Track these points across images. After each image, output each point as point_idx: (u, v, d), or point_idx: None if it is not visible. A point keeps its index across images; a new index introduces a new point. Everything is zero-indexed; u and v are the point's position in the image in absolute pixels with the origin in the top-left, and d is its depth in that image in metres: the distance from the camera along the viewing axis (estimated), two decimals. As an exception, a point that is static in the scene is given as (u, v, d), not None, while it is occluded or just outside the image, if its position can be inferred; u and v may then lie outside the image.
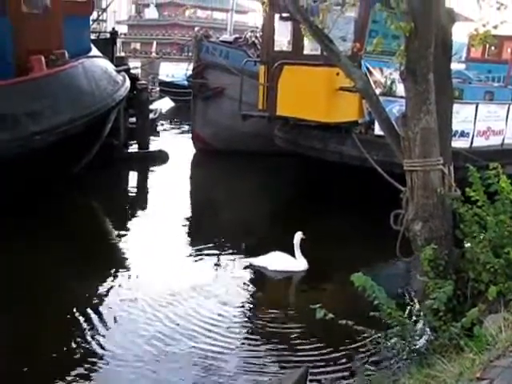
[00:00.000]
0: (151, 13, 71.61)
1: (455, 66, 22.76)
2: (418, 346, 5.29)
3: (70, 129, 11.29)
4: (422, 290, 6.08)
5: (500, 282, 5.30)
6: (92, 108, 11.98)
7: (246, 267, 9.14)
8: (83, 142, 12.20)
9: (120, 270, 8.78)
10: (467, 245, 5.93)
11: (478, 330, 4.64)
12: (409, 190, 6.05)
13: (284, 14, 11.64)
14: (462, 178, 6.21)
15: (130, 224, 11.39)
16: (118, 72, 14.14)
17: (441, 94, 6.23)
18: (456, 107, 12.20)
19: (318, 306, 5.27)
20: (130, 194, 14.50)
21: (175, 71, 27.37)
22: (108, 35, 17.10)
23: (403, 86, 6.13)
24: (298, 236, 8.98)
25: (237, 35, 18.78)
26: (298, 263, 8.96)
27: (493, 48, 23.79)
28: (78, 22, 13.00)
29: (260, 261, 9.06)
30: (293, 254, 9.00)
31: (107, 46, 15.65)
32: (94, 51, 13.70)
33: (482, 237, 5.72)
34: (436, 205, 5.93)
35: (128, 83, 14.28)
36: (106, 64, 13.74)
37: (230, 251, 9.80)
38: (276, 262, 8.99)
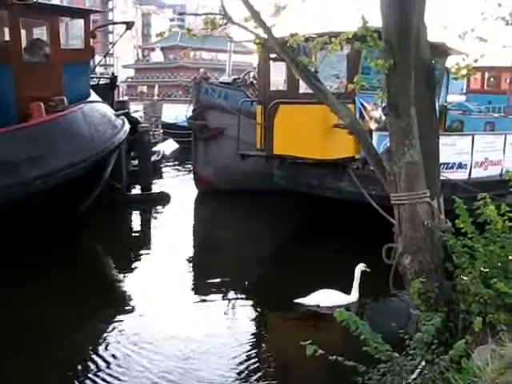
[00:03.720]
0: (157, 56, 72.77)
1: (456, 97, 23.02)
2: (409, 381, 5.24)
3: (69, 173, 11.45)
4: (414, 324, 6.07)
5: (490, 313, 5.30)
6: (91, 152, 12.15)
7: (248, 309, 9.17)
8: (84, 186, 12.35)
9: (124, 313, 8.78)
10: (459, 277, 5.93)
11: (466, 363, 4.62)
12: (397, 223, 6.10)
13: (272, 55, 11.83)
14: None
15: (133, 266, 11.40)
16: (117, 116, 14.36)
17: (426, 128, 6.32)
18: (453, 139, 12.41)
19: (308, 342, 5.24)
20: (133, 236, 14.54)
21: (178, 113, 27.66)
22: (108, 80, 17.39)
23: (387, 121, 6.22)
24: (360, 268, 8.99)
25: (235, 76, 19.08)
26: (347, 296, 8.98)
27: (492, 79, 24.08)
28: (77, 69, 13.28)
29: (310, 300, 9.06)
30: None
31: (107, 90, 15.93)
32: (93, 96, 13.95)
33: (472, 268, 5.73)
34: (424, 238, 5.97)
35: (127, 127, 14.48)
36: (104, 108, 13.97)
37: (233, 292, 9.81)
38: (326, 298, 9.01)
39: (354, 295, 9.01)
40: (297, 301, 9.09)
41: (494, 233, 5.90)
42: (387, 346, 4.99)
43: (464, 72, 6.73)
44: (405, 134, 5.81)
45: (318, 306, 8.92)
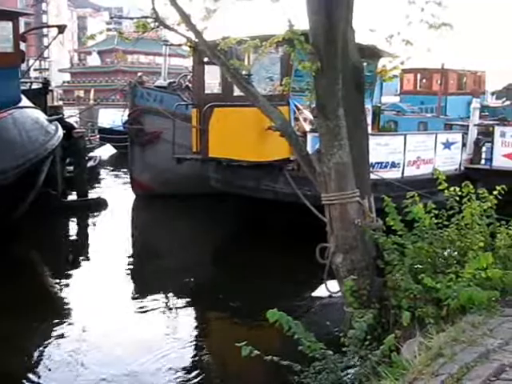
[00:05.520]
0: (94, 60, 71.91)
1: (390, 98, 23.58)
2: (345, 378, 5.32)
3: (1, 180, 11.17)
4: (348, 321, 6.17)
5: (419, 307, 5.43)
6: (23, 158, 11.88)
7: (188, 313, 9.19)
8: (16, 193, 12.07)
9: (62, 323, 8.58)
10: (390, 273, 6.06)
11: (396, 357, 4.73)
12: (328, 223, 6.19)
13: (206, 59, 11.80)
14: (395, 208, 6.35)
15: (70, 274, 11.18)
16: (50, 121, 14.07)
17: (355, 128, 6.44)
18: (386, 139, 12.68)
19: (243, 343, 5.26)
20: (70, 243, 14.28)
21: (114, 117, 27.31)
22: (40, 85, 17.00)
23: (316, 123, 6.31)
24: None
25: (171, 80, 19.00)
26: None
27: (424, 81, 24.78)
28: (6, 74, 12.92)
29: (322, 291, 9.07)
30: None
31: (39, 95, 15.58)
32: (24, 102, 13.62)
33: (402, 264, 5.87)
34: (355, 237, 6.08)
35: (60, 132, 14.20)
36: (36, 114, 13.67)
37: (173, 297, 9.82)
38: (335, 287, 9.08)
39: None
40: (312, 295, 9.17)
41: (423, 229, 6.06)
42: (321, 344, 5.05)
43: (392, 74, 6.90)
44: (333, 135, 5.90)
45: (331, 296, 8.99)
